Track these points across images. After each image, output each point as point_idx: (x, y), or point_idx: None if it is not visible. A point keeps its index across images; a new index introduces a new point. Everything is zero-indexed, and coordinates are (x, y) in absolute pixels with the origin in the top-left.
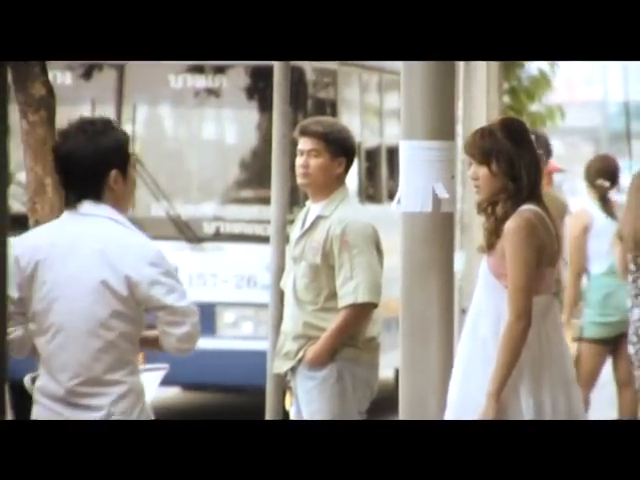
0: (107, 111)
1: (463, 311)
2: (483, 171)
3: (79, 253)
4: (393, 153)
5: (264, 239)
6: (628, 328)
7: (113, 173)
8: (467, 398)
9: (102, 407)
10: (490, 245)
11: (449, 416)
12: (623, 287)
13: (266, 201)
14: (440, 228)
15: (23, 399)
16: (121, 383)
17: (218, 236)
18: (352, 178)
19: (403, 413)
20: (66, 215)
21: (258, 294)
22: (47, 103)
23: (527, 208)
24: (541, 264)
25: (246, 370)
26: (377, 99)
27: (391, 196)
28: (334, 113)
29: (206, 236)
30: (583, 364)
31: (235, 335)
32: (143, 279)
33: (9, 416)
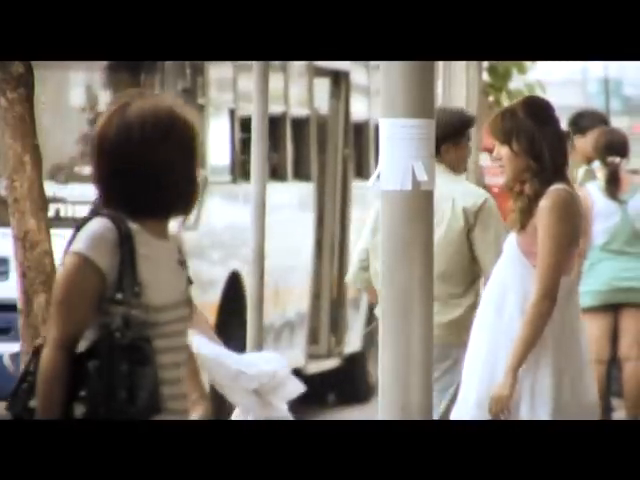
0: None
1: None
2: (505, 151)
3: None
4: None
5: None
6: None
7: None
8: (493, 373)
9: None
10: (523, 224)
11: (473, 392)
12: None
13: None
14: (420, 206)
15: None
16: None
17: (58, 220)
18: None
19: (383, 391)
20: None
21: None
22: (26, 81)
23: (561, 187)
24: (571, 244)
25: None
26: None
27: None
28: None
29: None
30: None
31: None
32: None
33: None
